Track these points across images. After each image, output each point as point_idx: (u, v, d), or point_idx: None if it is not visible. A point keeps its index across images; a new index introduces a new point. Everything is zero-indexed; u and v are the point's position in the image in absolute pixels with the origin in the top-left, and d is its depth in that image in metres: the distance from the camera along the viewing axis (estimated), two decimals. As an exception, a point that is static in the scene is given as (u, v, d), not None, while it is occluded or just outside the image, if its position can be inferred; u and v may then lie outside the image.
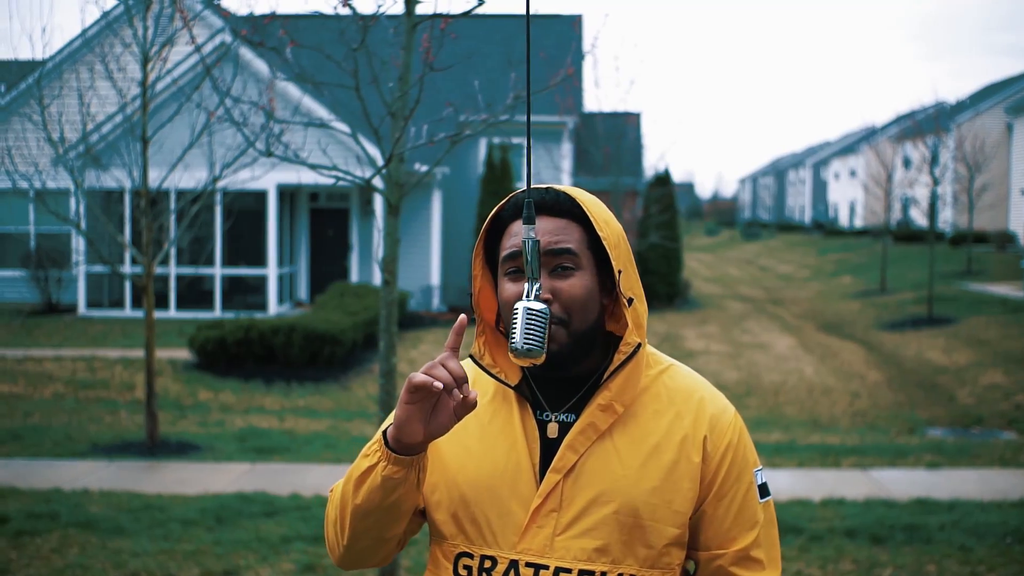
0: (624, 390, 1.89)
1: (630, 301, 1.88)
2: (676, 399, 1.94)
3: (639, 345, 1.89)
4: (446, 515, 1.94)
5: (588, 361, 1.92)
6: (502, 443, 1.93)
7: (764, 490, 1.98)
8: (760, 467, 2.00)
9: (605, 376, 1.89)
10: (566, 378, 1.92)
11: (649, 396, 1.94)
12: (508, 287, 1.88)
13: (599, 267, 1.92)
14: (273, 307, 20.49)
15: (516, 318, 1.77)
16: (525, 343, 1.76)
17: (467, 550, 1.92)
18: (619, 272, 1.87)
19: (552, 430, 1.91)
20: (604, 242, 1.87)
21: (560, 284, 1.86)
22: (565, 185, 1.94)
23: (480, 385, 2.00)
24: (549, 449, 1.90)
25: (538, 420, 1.93)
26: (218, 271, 20.67)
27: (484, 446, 1.94)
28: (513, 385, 1.94)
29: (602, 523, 1.87)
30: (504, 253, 1.90)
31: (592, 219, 1.88)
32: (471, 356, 1.98)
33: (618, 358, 1.89)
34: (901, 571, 6.17)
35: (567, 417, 1.92)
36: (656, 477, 1.88)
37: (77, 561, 6.19)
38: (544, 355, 1.78)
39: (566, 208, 1.90)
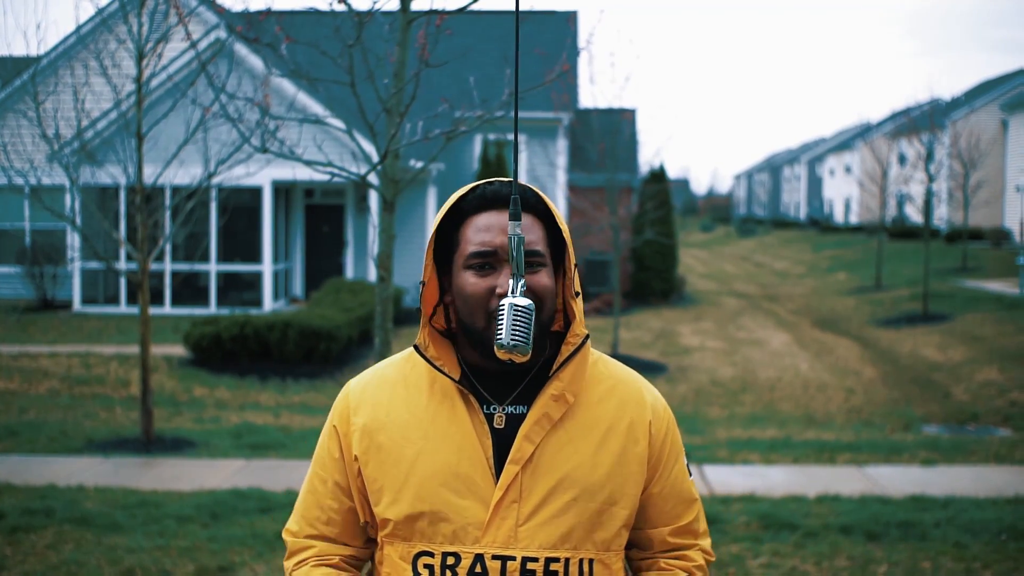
0: (574, 380, 1.94)
1: (576, 295, 1.94)
2: (616, 387, 2.01)
3: (587, 337, 1.95)
4: (401, 517, 1.93)
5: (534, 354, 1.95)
6: (451, 439, 1.93)
7: (688, 470, 2.11)
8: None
9: (555, 367, 1.93)
10: (507, 371, 1.94)
11: (590, 384, 1.99)
12: (472, 280, 1.90)
13: (554, 263, 1.97)
14: (268, 303, 20.47)
15: (502, 314, 1.79)
16: (512, 339, 1.78)
17: (427, 549, 1.91)
18: (576, 267, 1.94)
19: (499, 422, 1.93)
20: (565, 237, 1.93)
21: (531, 278, 1.88)
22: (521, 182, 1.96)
23: (414, 382, 2.01)
24: (499, 441, 1.92)
25: (485, 413, 1.94)
26: (213, 267, 20.65)
27: (432, 444, 1.93)
28: (456, 379, 1.94)
29: (563, 510, 1.90)
30: (472, 249, 1.90)
31: (555, 216, 1.94)
32: (415, 347, 1.99)
33: (567, 349, 1.94)
34: (896, 568, 6.18)
35: (515, 409, 1.94)
36: (609, 462, 1.94)
37: (72, 557, 6.18)
38: (530, 352, 1.81)
39: (531, 204, 1.94)
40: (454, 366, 1.97)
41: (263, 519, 7.03)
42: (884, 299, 24.72)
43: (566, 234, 1.92)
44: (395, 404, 1.99)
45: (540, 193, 1.95)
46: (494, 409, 1.94)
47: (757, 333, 20.79)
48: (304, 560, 2.05)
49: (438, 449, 1.92)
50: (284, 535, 2.10)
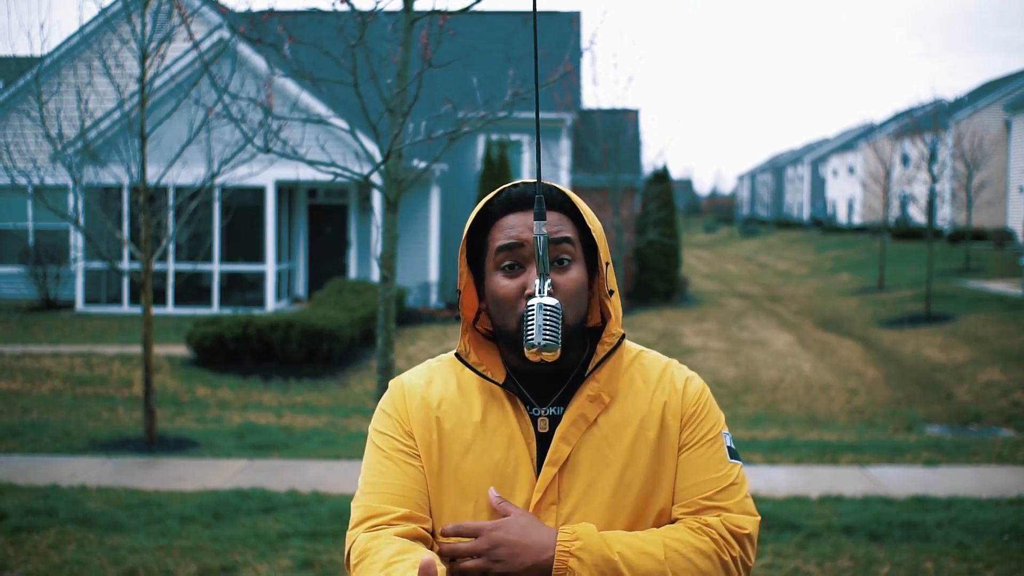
0: (610, 380, 1.94)
1: (610, 293, 1.93)
2: (650, 379, 1.99)
3: (623, 336, 1.94)
4: (449, 515, 1.94)
5: (571, 354, 1.94)
6: (500, 440, 1.93)
7: (733, 453, 2.00)
8: (727, 432, 2.03)
9: (591, 368, 1.92)
10: (548, 372, 1.94)
11: (626, 381, 1.98)
12: (503, 282, 1.90)
13: (586, 261, 1.96)
14: (271, 303, 20.48)
15: (532, 314, 1.80)
16: (544, 338, 1.79)
17: None
18: (607, 264, 1.93)
19: (543, 424, 1.93)
20: (594, 234, 1.92)
21: (559, 278, 1.88)
22: (548, 181, 1.98)
23: (464, 384, 2.00)
24: (541, 444, 1.92)
25: (530, 415, 1.94)
26: (216, 267, 20.67)
27: (482, 444, 1.93)
28: (500, 383, 1.94)
29: (601, 510, 1.89)
30: (498, 244, 1.91)
31: (583, 212, 1.93)
32: (456, 354, 1.99)
33: (602, 349, 1.93)
34: (899, 568, 6.17)
35: (556, 410, 1.94)
36: (646, 455, 1.93)
37: (75, 557, 6.19)
38: (559, 350, 1.81)
39: (558, 202, 1.94)
40: (499, 370, 1.97)
41: (266, 519, 7.03)
42: (887, 300, 24.70)
43: (596, 231, 1.92)
44: (447, 396, 1.98)
45: (566, 191, 1.95)
46: (536, 411, 1.95)
47: (760, 334, 20.77)
48: (377, 525, 1.90)
49: (486, 450, 1.92)
50: (353, 507, 1.95)
